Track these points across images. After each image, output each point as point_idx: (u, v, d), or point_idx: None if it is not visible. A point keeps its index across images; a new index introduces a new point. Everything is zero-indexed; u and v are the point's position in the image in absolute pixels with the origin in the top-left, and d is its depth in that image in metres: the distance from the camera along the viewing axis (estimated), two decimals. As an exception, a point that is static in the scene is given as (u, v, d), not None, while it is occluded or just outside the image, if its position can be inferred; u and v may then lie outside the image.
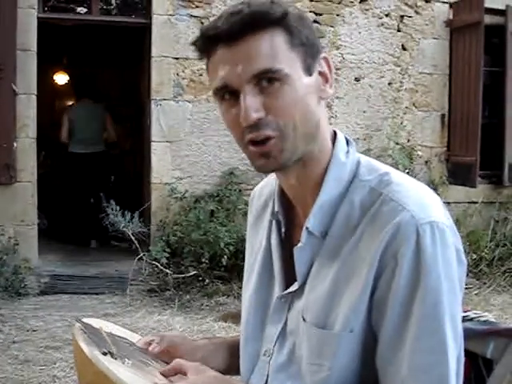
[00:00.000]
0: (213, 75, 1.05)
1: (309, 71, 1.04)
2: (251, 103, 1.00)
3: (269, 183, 1.28)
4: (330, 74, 1.09)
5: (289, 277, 1.13)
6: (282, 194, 1.16)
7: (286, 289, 1.13)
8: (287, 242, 1.16)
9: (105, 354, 1.01)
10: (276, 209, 1.17)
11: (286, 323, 1.12)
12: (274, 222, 1.18)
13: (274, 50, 1.00)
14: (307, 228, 1.07)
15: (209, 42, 1.04)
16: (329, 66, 1.09)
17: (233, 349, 1.29)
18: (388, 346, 0.99)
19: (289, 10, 1.03)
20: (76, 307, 5.11)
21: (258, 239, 1.25)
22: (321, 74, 1.07)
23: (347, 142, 1.13)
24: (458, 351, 1.01)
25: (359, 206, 1.05)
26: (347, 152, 1.11)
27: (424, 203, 1.02)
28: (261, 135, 1.02)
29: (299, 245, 1.08)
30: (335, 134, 1.14)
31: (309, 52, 1.04)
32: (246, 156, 1.07)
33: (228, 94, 1.04)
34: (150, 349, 1.19)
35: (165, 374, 1.09)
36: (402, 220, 0.98)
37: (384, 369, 1.00)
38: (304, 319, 1.07)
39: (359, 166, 1.10)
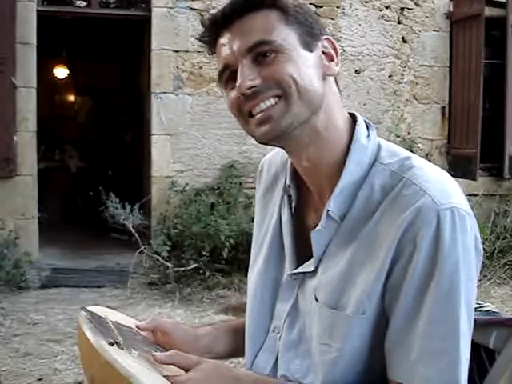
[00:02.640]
0: (218, 61, 1.08)
1: (308, 47, 1.05)
2: (246, 73, 1.02)
3: (278, 154, 1.26)
4: (336, 55, 1.09)
5: (300, 254, 1.13)
6: (295, 170, 1.15)
7: (297, 266, 1.12)
8: (297, 218, 1.16)
9: (111, 344, 0.99)
10: (287, 182, 1.17)
11: (296, 301, 1.12)
12: (285, 197, 1.18)
13: (267, 25, 1.03)
14: (328, 211, 1.06)
15: (211, 31, 1.08)
16: (334, 48, 1.09)
17: (237, 332, 1.29)
18: (399, 329, 0.98)
19: None
20: (77, 300, 5.11)
21: (269, 212, 1.24)
22: (325, 53, 1.08)
23: (367, 125, 1.13)
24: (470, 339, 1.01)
25: (379, 190, 1.04)
26: (368, 135, 1.10)
27: (445, 189, 1.01)
28: (260, 104, 1.02)
29: (318, 227, 1.07)
30: (354, 117, 1.13)
31: (306, 31, 1.05)
32: (249, 133, 1.07)
33: (230, 75, 1.05)
34: (139, 324, 1.20)
35: (158, 361, 1.02)
36: (423, 204, 0.97)
37: (393, 352, 0.99)
38: (317, 299, 1.07)
39: (380, 150, 1.09)
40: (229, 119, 5.54)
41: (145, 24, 6.25)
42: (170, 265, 5.40)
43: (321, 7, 6.30)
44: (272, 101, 1.02)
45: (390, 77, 6.56)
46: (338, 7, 6.36)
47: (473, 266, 0.99)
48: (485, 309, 1.20)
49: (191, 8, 6.02)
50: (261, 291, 1.20)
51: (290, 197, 1.17)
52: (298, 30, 1.05)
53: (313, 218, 1.12)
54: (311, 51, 1.05)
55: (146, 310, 4.94)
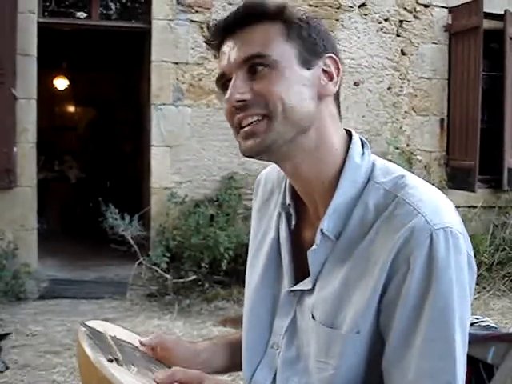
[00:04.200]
0: (218, 67, 1.09)
1: (306, 65, 1.04)
2: (238, 86, 1.03)
3: (275, 170, 1.27)
4: (337, 74, 1.08)
5: (298, 271, 1.13)
6: (293, 187, 1.16)
7: (296, 283, 1.12)
8: (295, 235, 1.16)
9: (110, 360, 1.00)
10: (288, 201, 1.17)
11: (295, 317, 1.12)
12: (283, 214, 1.18)
13: (266, 38, 1.03)
14: (321, 230, 1.07)
15: (215, 36, 1.08)
16: (337, 67, 1.08)
17: (235, 346, 1.29)
18: (395, 349, 0.98)
19: (287, 6, 1.05)
20: (76, 312, 5.10)
21: (262, 226, 1.25)
22: (325, 71, 1.07)
23: (362, 143, 1.13)
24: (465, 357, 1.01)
25: (373, 209, 1.04)
26: (362, 154, 1.10)
27: (438, 208, 1.01)
28: (246, 117, 1.03)
29: (313, 247, 1.08)
30: (350, 135, 1.13)
31: (307, 47, 1.05)
32: (237, 139, 1.08)
33: (226, 83, 1.06)
34: (142, 340, 1.19)
35: (159, 379, 1.04)
36: (416, 224, 0.98)
37: (390, 372, 0.99)
38: (313, 317, 1.07)
39: (374, 169, 1.09)
40: (228, 131, 5.52)
41: (145, 36, 6.28)
42: (168, 276, 5.39)
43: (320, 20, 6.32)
44: (255, 118, 1.03)
45: (388, 89, 6.58)
46: (337, 20, 6.40)
47: (466, 284, 0.99)
48: (483, 324, 1.21)
49: (191, 20, 6.05)
50: (258, 307, 1.20)
51: (288, 214, 1.17)
52: (299, 46, 1.04)
53: (309, 233, 1.12)
54: (309, 69, 1.05)
55: (145, 321, 4.93)
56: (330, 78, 1.08)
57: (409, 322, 0.97)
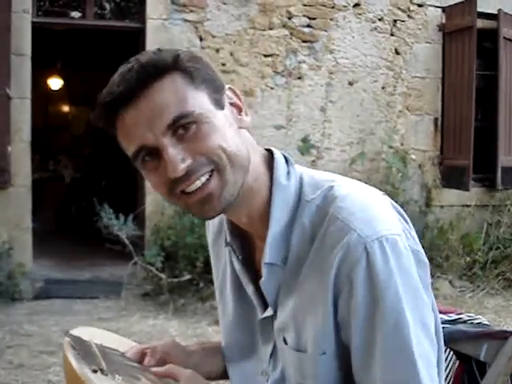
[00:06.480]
0: (126, 142, 1.00)
1: (219, 105, 1.01)
2: (175, 154, 0.96)
3: None
4: (241, 103, 1.06)
5: (264, 298, 1.11)
6: (232, 223, 1.13)
7: (266, 309, 1.11)
8: (251, 264, 1.13)
9: (95, 371, 1.00)
10: (228, 239, 1.14)
11: (275, 342, 1.11)
12: (230, 249, 1.14)
13: (178, 94, 0.96)
14: (265, 263, 1.05)
15: (110, 111, 0.99)
16: (237, 96, 1.06)
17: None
18: (360, 364, 0.98)
19: (179, 52, 1.00)
20: (70, 312, 5.10)
21: (221, 260, 1.23)
22: (232, 104, 1.05)
23: (286, 159, 1.09)
24: (437, 353, 1.01)
25: (310, 229, 1.02)
26: (288, 173, 1.07)
27: (370, 218, 0.98)
28: (195, 181, 0.98)
29: (262, 279, 1.06)
30: (271, 155, 1.09)
31: (213, 87, 1.01)
32: (182, 208, 1.04)
33: (148, 155, 0.99)
34: (145, 363, 1.17)
35: (157, 375, 1.09)
36: (350, 241, 0.96)
37: None
38: (285, 341, 1.07)
39: (303, 185, 1.06)
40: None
41: (139, 35, 6.27)
42: (163, 276, 5.39)
43: (314, 19, 6.33)
44: (204, 178, 0.98)
45: (383, 88, 6.59)
46: (331, 19, 6.40)
47: (417, 284, 0.98)
48: (476, 321, 1.21)
49: (186, 20, 6.05)
50: (241, 338, 1.20)
51: (234, 248, 1.14)
52: (206, 89, 1.00)
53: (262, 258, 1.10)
54: (223, 108, 1.02)
55: (140, 321, 4.93)
56: (239, 109, 1.06)
57: (365, 339, 0.96)
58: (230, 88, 1.05)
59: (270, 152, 1.10)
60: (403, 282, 0.95)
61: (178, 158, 0.96)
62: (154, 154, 0.98)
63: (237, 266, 1.14)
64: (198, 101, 0.98)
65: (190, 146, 0.97)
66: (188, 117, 0.96)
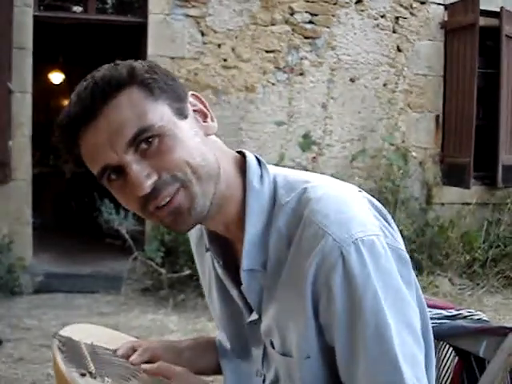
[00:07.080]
0: (90, 162, 0.98)
1: (182, 115, 0.98)
2: (139, 171, 0.94)
3: None
4: (207, 108, 1.04)
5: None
6: (211, 230, 1.11)
7: (252, 312, 1.10)
8: (233, 268, 1.11)
9: (83, 374, 1.00)
10: (207, 245, 1.13)
11: (265, 344, 1.10)
12: (211, 254, 1.13)
13: (136, 109, 0.94)
14: (244, 270, 1.04)
15: (69, 133, 0.97)
16: (202, 102, 1.04)
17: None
18: (345, 370, 0.96)
19: (134, 64, 0.98)
20: (70, 306, 5.11)
21: (206, 263, 1.22)
22: (196, 111, 1.03)
23: (259, 162, 1.07)
24: (426, 349, 0.99)
25: (286, 233, 1.00)
26: (261, 176, 1.05)
27: (345, 220, 0.96)
28: (164, 198, 0.96)
29: (243, 285, 1.06)
30: (244, 157, 1.07)
31: (173, 97, 0.98)
32: (158, 223, 1.02)
33: (113, 173, 0.97)
34: (131, 359, 1.16)
35: (147, 373, 1.09)
36: (325, 246, 0.94)
37: None
38: (273, 345, 1.06)
39: (277, 188, 1.04)
40: (224, 126, 5.55)
41: (141, 30, 6.26)
42: (163, 271, 5.40)
43: (316, 15, 6.33)
44: (171, 194, 0.96)
45: (384, 85, 6.58)
46: (333, 16, 6.39)
47: (399, 285, 0.96)
48: (475, 317, 1.21)
49: (187, 15, 6.04)
50: (235, 342, 1.21)
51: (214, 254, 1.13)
52: (167, 99, 0.97)
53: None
54: (186, 117, 0.99)
55: (140, 316, 4.94)
56: (204, 116, 1.04)
57: (348, 344, 0.95)
58: (193, 94, 1.03)
59: (242, 155, 1.09)
60: (383, 284, 0.93)
61: (142, 174, 0.94)
62: (119, 172, 0.96)
63: (219, 270, 1.13)
64: (159, 113, 0.95)
65: (154, 162, 0.95)
66: (149, 131, 0.94)
